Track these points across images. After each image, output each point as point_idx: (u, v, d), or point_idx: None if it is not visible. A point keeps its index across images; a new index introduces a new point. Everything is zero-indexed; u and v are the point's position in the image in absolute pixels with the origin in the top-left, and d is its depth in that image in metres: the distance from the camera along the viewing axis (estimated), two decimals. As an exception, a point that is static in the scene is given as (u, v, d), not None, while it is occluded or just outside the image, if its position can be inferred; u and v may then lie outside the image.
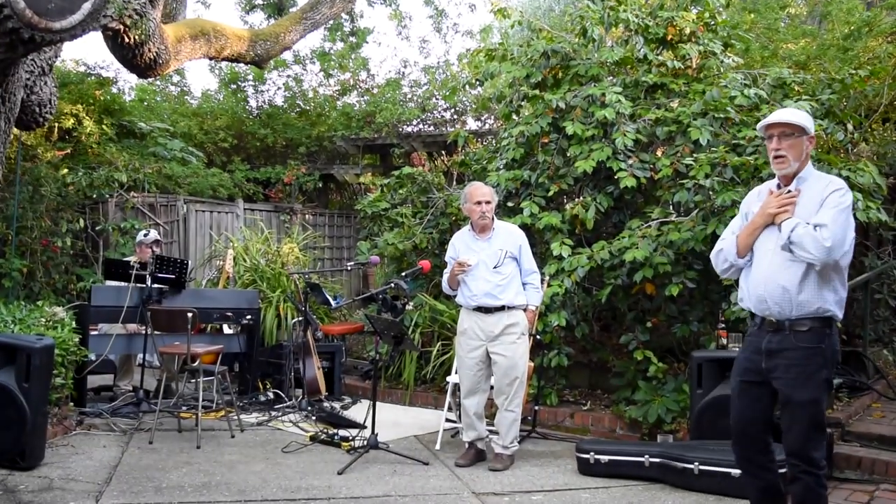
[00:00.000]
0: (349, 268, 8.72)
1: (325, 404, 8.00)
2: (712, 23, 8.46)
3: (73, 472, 5.65)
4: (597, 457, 5.95)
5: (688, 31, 8.23)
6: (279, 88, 17.14)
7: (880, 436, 6.22)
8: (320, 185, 15.06)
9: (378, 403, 6.42)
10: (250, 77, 16.72)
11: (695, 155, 7.04)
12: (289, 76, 17.13)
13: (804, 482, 3.93)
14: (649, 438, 6.85)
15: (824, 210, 3.92)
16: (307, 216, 14.08)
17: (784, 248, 3.96)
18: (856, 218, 6.58)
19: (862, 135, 8.28)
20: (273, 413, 7.80)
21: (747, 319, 4.37)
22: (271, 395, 8.30)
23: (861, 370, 8.05)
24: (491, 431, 6.29)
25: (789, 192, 4.06)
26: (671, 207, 7.43)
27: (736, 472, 5.30)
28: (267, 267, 9.84)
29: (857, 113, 8.17)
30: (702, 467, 5.51)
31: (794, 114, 4.13)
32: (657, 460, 5.76)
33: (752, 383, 4.12)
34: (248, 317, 8.42)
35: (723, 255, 4.27)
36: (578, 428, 7.35)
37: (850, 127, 7.71)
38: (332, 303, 9.43)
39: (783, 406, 4.00)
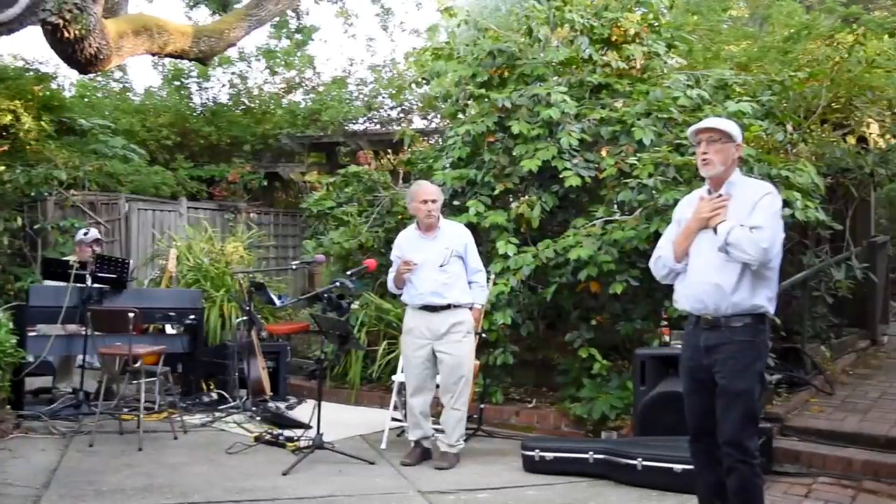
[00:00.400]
0: (294, 267, 8.66)
1: (270, 405, 7.94)
2: (656, 24, 8.56)
3: (10, 477, 5.52)
4: (542, 454, 5.98)
5: (632, 31, 8.31)
6: (224, 85, 16.98)
7: (818, 430, 6.35)
8: (265, 183, 14.95)
9: (324, 403, 6.38)
10: (194, 73, 16.51)
11: (638, 155, 7.11)
12: (234, 73, 16.97)
13: (739, 472, 4.05)
14: (594, 435, 6.91)
15: (758, 213, 4.08)
16: (252, 215, 13.95)
17: (721, 250, 4.09)
18: (794, 217, 6.74)
19: (801, 135, 8.42)
20: (217, 414, 7.72)
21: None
22: (215, 396, 8.21)
23: (800, 366, 8.20)
24: (437, 430, 6.29)
25: (720, 196, 4.23)
26: (615, 206, 7.50)
27: (678, 467, 5.38)
28: (211, 266, 9.72)
29: (796, 114, 8.31)
30: (645, 463, 5.57)
31: (721, 121, 4.37)
32: (601, 457, 5.82)
33: (699, 381, 4.24)
34: (192, 317, 8.32)
35: (661, 261, 4.43)
36: (524, 426, 7.39)
37: (789, 128, 7.85)
38: (277, 302, 9.36)
39: (719, 396, 4.14)
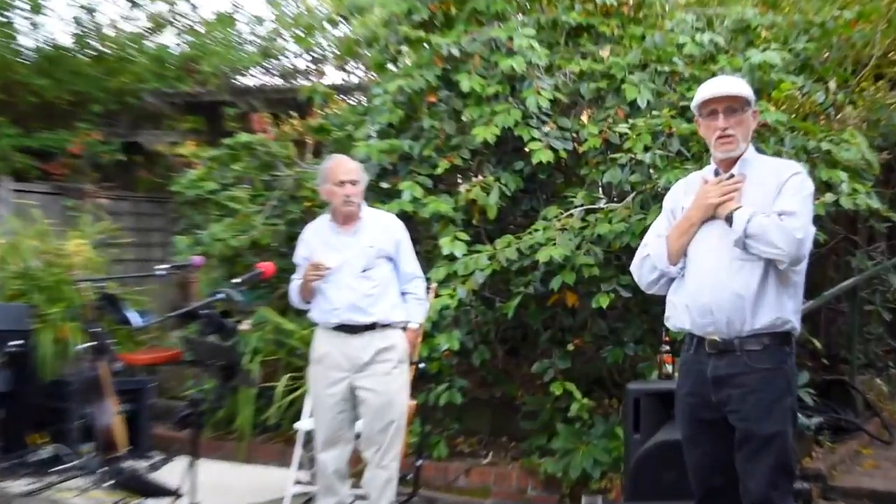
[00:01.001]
0: (162, 273, 8.54)
1: (126, 464, 7.84)
2: (655, -57, 8.67)
3: None
4: (501, 528, 6.01)
5: (623, -47, 8.40)
6: (65, 21, 16.75)
7: (872, 491, 6.47)
8: (122, 157, 14.74)
9: (202, 461, 6.31)
10: (23, 5, 16.25)
11: (631, 121, 7.17)
12: (80, 6, 16.73)
13: None
14: (571, 501, 6.95)
15: (786, 197, 4.14)
16: (103, 201, 13.76)
17: (737, 244, 4.13)
18: (839, 205, 6.86)
19: (848, 96, 8.56)
20: (51, 478, 7.61)
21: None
22: (49, 453, 8.09)
23: (848, 405, 8.34)
24: (357, 497, 6.27)
25: (732, 177, 4.29)
26: (600, 190, 7.55)
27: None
28: (44, 272, 9.57)
29: (841, 67, 8.45)
30: (640, 538, 5.62)
31: (737, 82, 4.43)
32: (581, 530, 5.85)
33: (706, 423, 4.26)
34: (16, 342, 8.21)
35: (649, 262, 4.45)
36: (477, 488, 7.41)
37: (832, 86, 7.98)
38: (138, 321, 9.24)
39: (741, 445, 4.16)
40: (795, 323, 4.20)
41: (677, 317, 4.35)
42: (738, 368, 4.14)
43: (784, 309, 4.14)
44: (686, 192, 4.45)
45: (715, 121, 4.28)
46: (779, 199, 4.13)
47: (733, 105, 4.26)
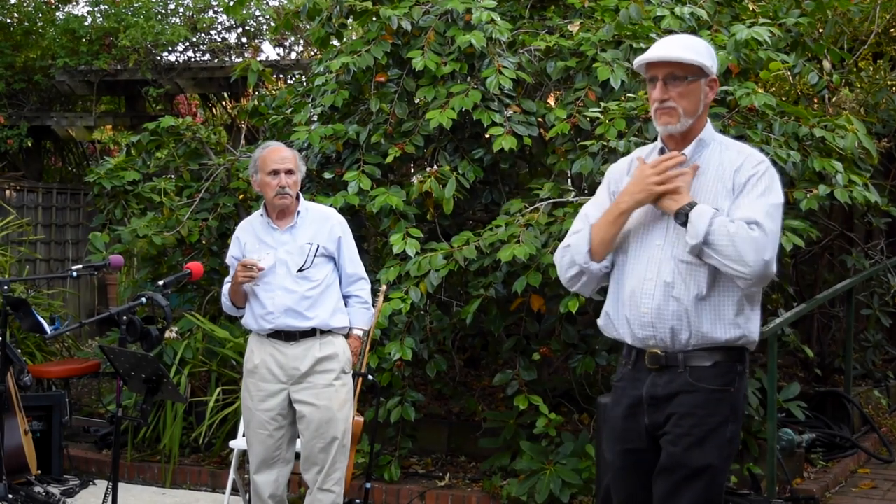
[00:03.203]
0: (76, 274, 8.51)
1: (37, 489, 7.82)
2: None
3: None
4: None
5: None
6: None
7: (869, 515, 6.56)
8: (29, 143, 14.66)
9: (124, 485, 6.32)
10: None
11: (603, 104, 7.23)
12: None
13: None
14: (537, 528, 7.01)
15: (750, 200, 3.98)
16: (8, 192, 13.70)
17: (693, 252, 3.97)
18: (833, 198, 6.95)
19: (844, 77, 8.66)
20: (-48, 504, 7.59)
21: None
22: (-51, 477, 8.06)
23: (843, 419, 8.44)
24: (298, 523, 6.30)
25: (685, 158, 4.11)
26: (569, 182, 7.61)
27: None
28: (-60, 273, 9.54)
29: (837, 45, 8.53)
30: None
31: (687, 45, 4.16)
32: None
33: (638, 451, 4.18)
34: None
35: (569, 255, 4.30)
36: (432, 514, 7.46)
37: (827, 65, 8.07)
38: (48, 329, 9.20)
39: (662, 472, 4.06)
40: (752, 335, 4.07)
41: (613, 325, 4.26)
42: (680, 386, 4.03)
43: (738, 319, 4.03)
44: (630, 171, 4.28)
45: (654, 90, 4.12)
46: (739, 200, 4.00)
47: (676, 72, 4.07)
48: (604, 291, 6.36)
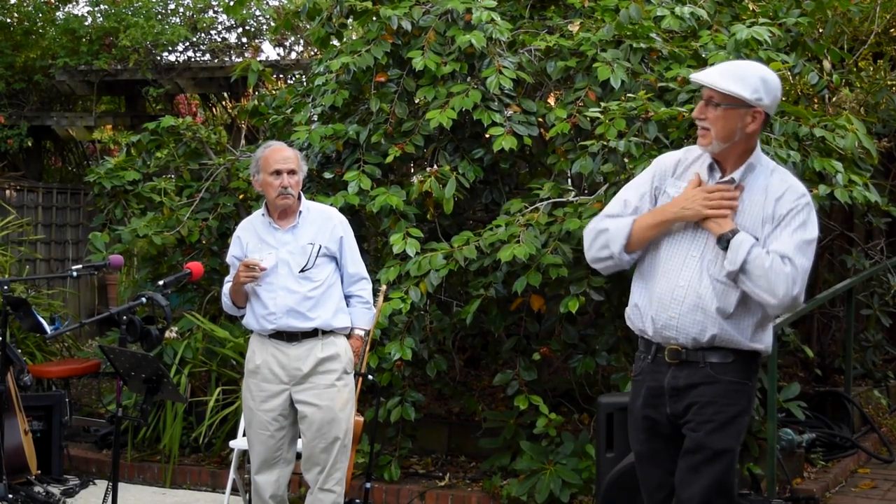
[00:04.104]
0: (76, 273, 8.52)
1: (37, 489, 7.82)
2: None
3: None
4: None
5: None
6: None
7: (869, 515, 6.57)
8: (29, 143, 14.65)
9: (124, 485, 6.32)
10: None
11: (603, 104, 7.22)
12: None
13: None
14: (537, 528, 7.01)
15: (785, 231, 4.19)
16: (8, 192, 13.69)
17: (730, 277, 4.20)
18: (834, 198, 6.95)
19: (844, 76, 8.66)
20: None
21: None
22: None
23: (843, 419, 8.44)
24: (298, 523, 6.30)
25: (734, 183, 4.29)
26: (569, 182, 7.61)
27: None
28: (-59, 273, 9.53)
29: (837, 45, 8.53)
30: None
31: (735, 73, 4.28)
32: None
33: (663, 438, 4.40)
34: None
35: (603, 238, 4.49)
36: (432, 514, 7.46)
37: (827, 65, 8.07)
38: (49, 329, 9.20)
39: (686, 454, 4.31)
40: (767, 347, 4.32)
41: (641, 318, 4.45)
42: (701, 378, 4.26)
43: (756, 334, 4.28)
44: (678, 174, 4.46)
45: (698, 106, 4.33)
46: (777, 231, 4.19)
47: (714, 97, 4.24)
48: (603, 291, 6.41)
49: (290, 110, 9.08)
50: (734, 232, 4.18)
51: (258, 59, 11.89)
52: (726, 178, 4.29)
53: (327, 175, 8.14)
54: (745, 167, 4.28)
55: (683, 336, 4.27)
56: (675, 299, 4.29)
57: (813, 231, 4.20)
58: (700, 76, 4.31)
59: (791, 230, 4.15)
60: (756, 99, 4.18)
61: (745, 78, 4.23)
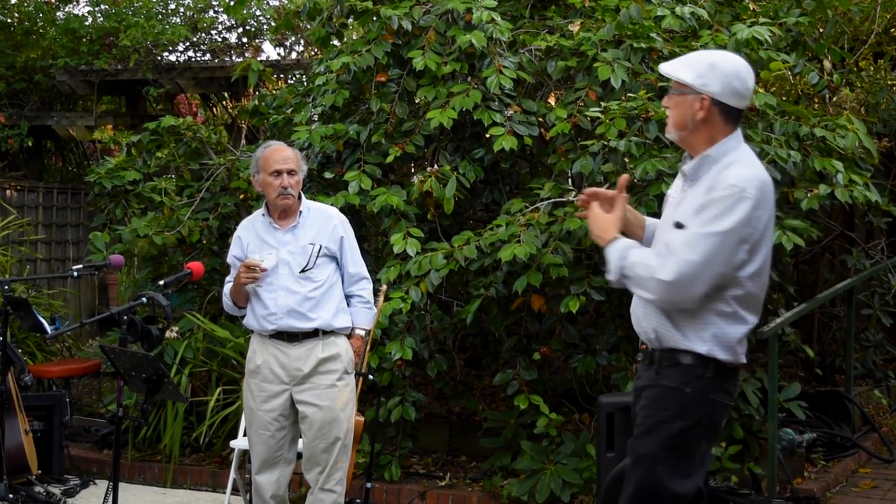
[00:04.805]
0: (76, 273, 8.53)
1: (38, 489, 7.82)
2: None
3: None
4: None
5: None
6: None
7: (869, 514, 6.57)
8: (30, 143, 14.65)
9: (124, 485, 6.32)
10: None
11: (604, 103, 7.23)
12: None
13: None
14: (538, 527, 7.01)
15: (693, 223, 4.13)
16: (8, 192, 13.69)
17: (616, 284, 4.29)
18: (834, 198, 6.95)
19: (844, 76, 8.66)
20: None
21: None
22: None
23: (843, 419, 8.44)
24: (299, 523, 6.30)
25: (685, 176, 4.32)
26: (569, 181, 7.61)
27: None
28: (-59, 273, 9.54)
29: (838, 45, 8.53)
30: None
31: (686, 60, 4.34)
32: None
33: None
34: None
35: None
36: (433, 514, 7.46)
37: (827, 65, 8.06)
38: (49, 329, 9.20)
39: None
40: (707, 347, 4.17)
41: (634, 320, 4.51)
42: (647, 381, 4.30)
43: (697, 330, 4.19)
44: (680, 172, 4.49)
45: None
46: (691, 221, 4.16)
47: (670, 84, 4.33)
48: (604, 291, 6.44)
49: (290, 110, 9.09)
50: (612, 241, 4.25)
51: (259, 58, 11.90)
52: (684, 168, 4.33)
53: (328, 175, 8.14)
54: (699, 160, 4.24)
55: (643, 332, 4.33)
56: (637, 299, 4.38)
57: (722, 224, 4.04)
58: (665, 66, 4.35)
59: (699, 221, 4.08)
60: (701, 84, 4.18)
61: (692, 64, 4.26)
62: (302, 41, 13.70)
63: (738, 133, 4.28)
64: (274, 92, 10.63)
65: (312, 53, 12.86)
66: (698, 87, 4.18)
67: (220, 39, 15.03)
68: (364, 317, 6.26)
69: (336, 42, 8.87)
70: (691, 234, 4.07)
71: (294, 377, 6.03)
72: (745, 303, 4.18)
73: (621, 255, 4.19)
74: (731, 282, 4.11)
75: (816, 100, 8.39)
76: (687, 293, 4.07)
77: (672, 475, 4.16)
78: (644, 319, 4.30)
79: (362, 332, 6.28)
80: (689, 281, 4.04)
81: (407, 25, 7.91)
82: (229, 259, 6.34)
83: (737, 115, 4.26)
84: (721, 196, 4.08)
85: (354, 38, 8.60)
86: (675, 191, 4.44)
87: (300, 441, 6.21)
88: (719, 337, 4.17)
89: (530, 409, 7.28)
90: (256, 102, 9.88)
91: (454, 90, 7.67)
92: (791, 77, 8.03)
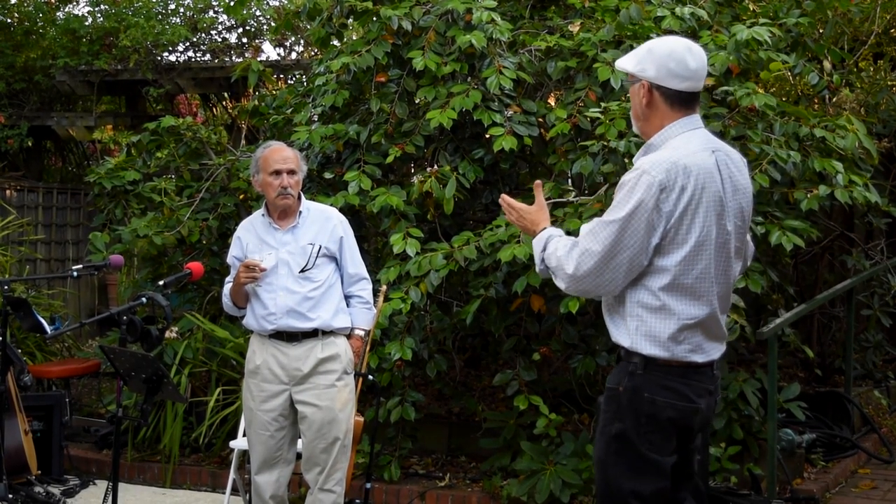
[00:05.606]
0: (76, 273, 8.52)
1: (38, 489, 7.83)
2: None
3: None
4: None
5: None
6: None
7: (868, 515, 6.57)
8: (30, 143, 14.66)
9: (124, 485, 6.32)
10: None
11: (603, 104, 7.23)
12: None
13: None
14: (537, 528, 7.01)
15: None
16: (8, 192, 13.69)
17: (543, 276, 4.31)
18: (834, 199, 6.95)
19: (844, 77, 8.66)
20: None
21: None
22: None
23: (843, 420, 8.44)
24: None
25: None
26: (569, 182, 7.60)
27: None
28: (-59, 273, 9.54)
29: (837, 45, 8.53)
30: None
31: (630, 53, 4.35)
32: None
33: None
34: None
35: None
36: (432, 514, 7.46)
37: (827, 65, 8.06)
38: (49, 329, 9.20)
39: None
40: (640, 346, 4.09)
41: None
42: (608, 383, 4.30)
43: (629, 325, 4.13)
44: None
45: None
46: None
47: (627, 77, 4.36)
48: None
49: (290, 110, 9.10)
50: (537, 232, 4.29)
51: (258, 59, 11.91)
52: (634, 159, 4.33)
53: (327, 175, 8.14)
54: (643, 148, 4.24)
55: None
56: None
57: (620, 210, 4.00)
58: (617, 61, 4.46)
59: (607, 211, 4.08)
60: (640, 70, 4.19)
61: (635, 52, 4.28)
62: (302, 41, 13.71)
63: (689, 118, 4.20)
64: (274, 92, 10.64)
65: (312, 54, 12.86)
66: (638, 74, 4.20)
67: (220, 40, 15.04)
68: (363, 317, 6.27)
69: (336, 42, 8.87)
70: (594, 224, 4.07)
71: (293, 377, 6.04)
72: (677, 294, 4.06)
73: (542, 247, 4.20)
74: (652, 271, 4.04)
75: (816, 100, 8.39)
76: (595, 284, 4.06)
77: (625, 476, 4.11)
78: (605, 316, 4.31)
79: (362, 333, 6.29)
80: (592, 272, 4.02)
81: (407, 26, 7.91)
82: (229, 259, 6.35)
83: (683, 99, 4.18)
84: (622, 182, 4.08)
85: (354, 38, 8.60)
86: None
87: (299, 441, 6.22)
88: (643, 330, 4.08)
89: (530, 409, 7.28)
90: (256, 103, 9.89)
91: (454, 90, 7.67)
92: (791, 78, 8.02)
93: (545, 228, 4.29)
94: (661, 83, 4.15)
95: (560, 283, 4.15)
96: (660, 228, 3.99)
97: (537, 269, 4.28)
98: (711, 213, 4.05)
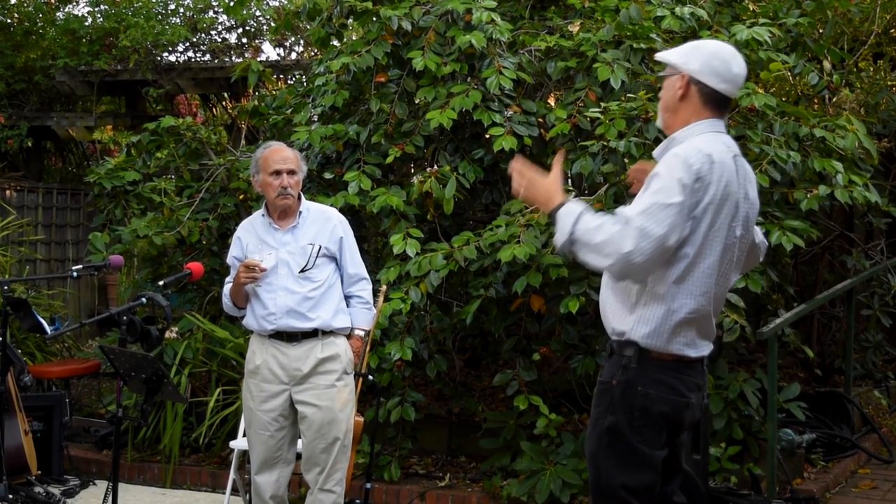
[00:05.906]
0: (76, 274, 8.52)
1: (38, 489, 7.82)
2: None
3: None
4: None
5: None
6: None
7: (868, 515, 6.57)
8: (30, 143, 14.66)
9: (124, 485, 6.32)
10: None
11: (603, 104, 7.23)
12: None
13: None
14: (537, 528, 7.01)
15: (643, 194, 4.05)
16: (8, 192, 13.69)
17: (562, 249, 4.10)
18: (834, 199, 6.95)
19: (844, 77, 8.66)
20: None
21: None
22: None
23: (843, 420, 8.44)
24: (298, 524, 6.30)
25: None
26: (569, 181, 7.60)
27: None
28: (-59, 273, 9.54)
29: (837, 45, 8.52)
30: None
31: (677, 48, 4.37)
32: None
33: None
34: None
35: None
36: (432, 515, 7.46)
37: (827, 65, 8.06)
38: (49, 329, 9.20)
39: None
40: (636, 334, 4.11)
41: None
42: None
43: (632, 313, 4.15)
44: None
45: None
46: (639, 194, 4.09)
47: (662, 70, 4.37)
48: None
49: (290, 111, 9.10)
50: (560, 205, 4.09)
51: (258, 59, 11.91)
52: (654, 151, 4.33)
53: (327, 175, 8.14)
54: (666, 142, 4.24)
55: (605, 316, 4.31)
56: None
57: (670, 195, 3.95)
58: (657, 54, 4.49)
59: (649, 192, 4.00)
60: (683, 63, 4.20)
61: (680, 48, 4.33)
62: (302, 42, 13.71)
63: (716, 122, 4.21)
64: (274, 92, 10.64)
65: (312, 54, 12.87)
66: (680, 66, 4.21)
67: (219, 40, 15.05)
68: (363, 317, 6.26)
69: (336, 42, 8.87)
70: (648, 204, 3.95)
71: (293, 377, 6.03)
72: (685, 286, 4.08)
73: (574, 220, 4.00)
74: (668, 260, 4.03)
75: (816, 100, 8.39)
76: (645, 266, 3.96)
77: (616, 469, 4.12)
78: (605, 305, 4.29)
79: (361, 333, 6.28)
80: (650, 253, 3.92)
81: (407, 26, 7.91)
82: (229, 260, 6.34)
83: (718, 101, 4.21)
84: (668, 163, 4.06)
85: (354, 38, 8.60)
86: None
87: (299, 441, 6.22)
88: (646, 318, 4.10)
89: (530, 409, 7.28)
90: (256, 103, 9.89)
91: (454, 91, 7.67)
92: (791, 78, 8.02)
93: (564, 203, 4.11)
94: (701, 79, 4.17)
95: (601, 261, 3.97)
96: (690, 220, 3.99)
97: (558, 243, 4.08)
98: (727, 214, 4.08)
